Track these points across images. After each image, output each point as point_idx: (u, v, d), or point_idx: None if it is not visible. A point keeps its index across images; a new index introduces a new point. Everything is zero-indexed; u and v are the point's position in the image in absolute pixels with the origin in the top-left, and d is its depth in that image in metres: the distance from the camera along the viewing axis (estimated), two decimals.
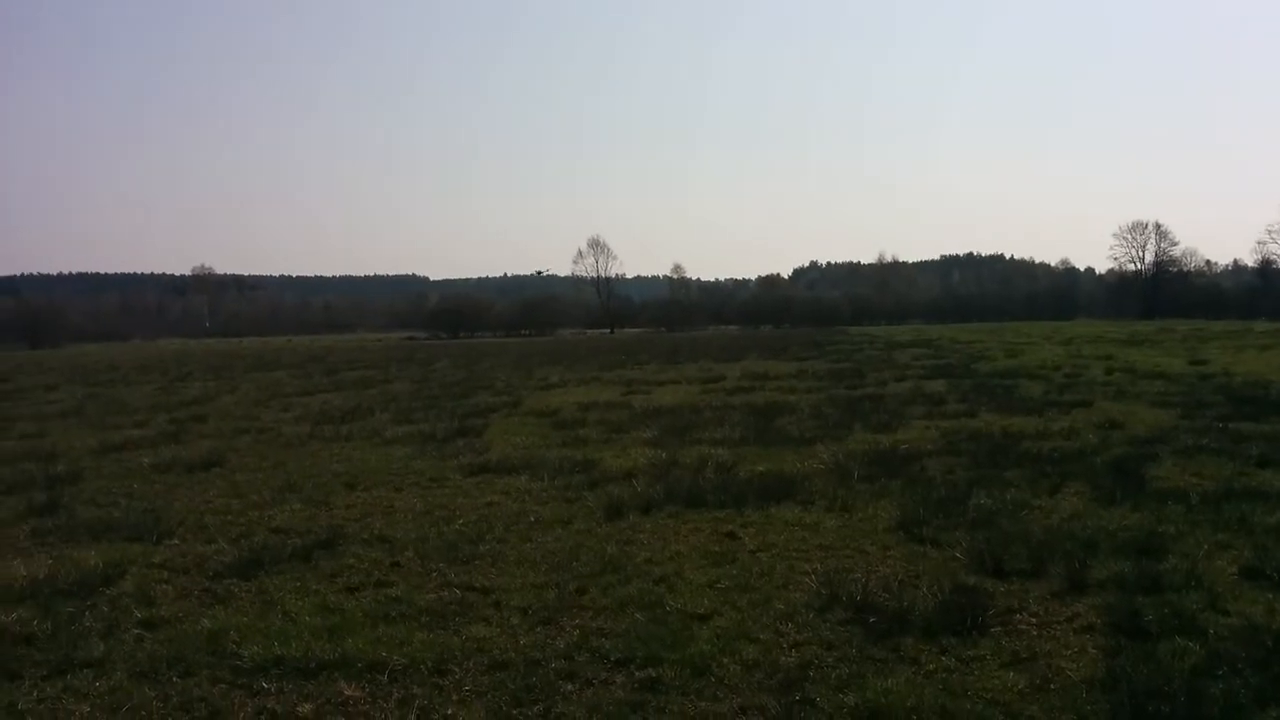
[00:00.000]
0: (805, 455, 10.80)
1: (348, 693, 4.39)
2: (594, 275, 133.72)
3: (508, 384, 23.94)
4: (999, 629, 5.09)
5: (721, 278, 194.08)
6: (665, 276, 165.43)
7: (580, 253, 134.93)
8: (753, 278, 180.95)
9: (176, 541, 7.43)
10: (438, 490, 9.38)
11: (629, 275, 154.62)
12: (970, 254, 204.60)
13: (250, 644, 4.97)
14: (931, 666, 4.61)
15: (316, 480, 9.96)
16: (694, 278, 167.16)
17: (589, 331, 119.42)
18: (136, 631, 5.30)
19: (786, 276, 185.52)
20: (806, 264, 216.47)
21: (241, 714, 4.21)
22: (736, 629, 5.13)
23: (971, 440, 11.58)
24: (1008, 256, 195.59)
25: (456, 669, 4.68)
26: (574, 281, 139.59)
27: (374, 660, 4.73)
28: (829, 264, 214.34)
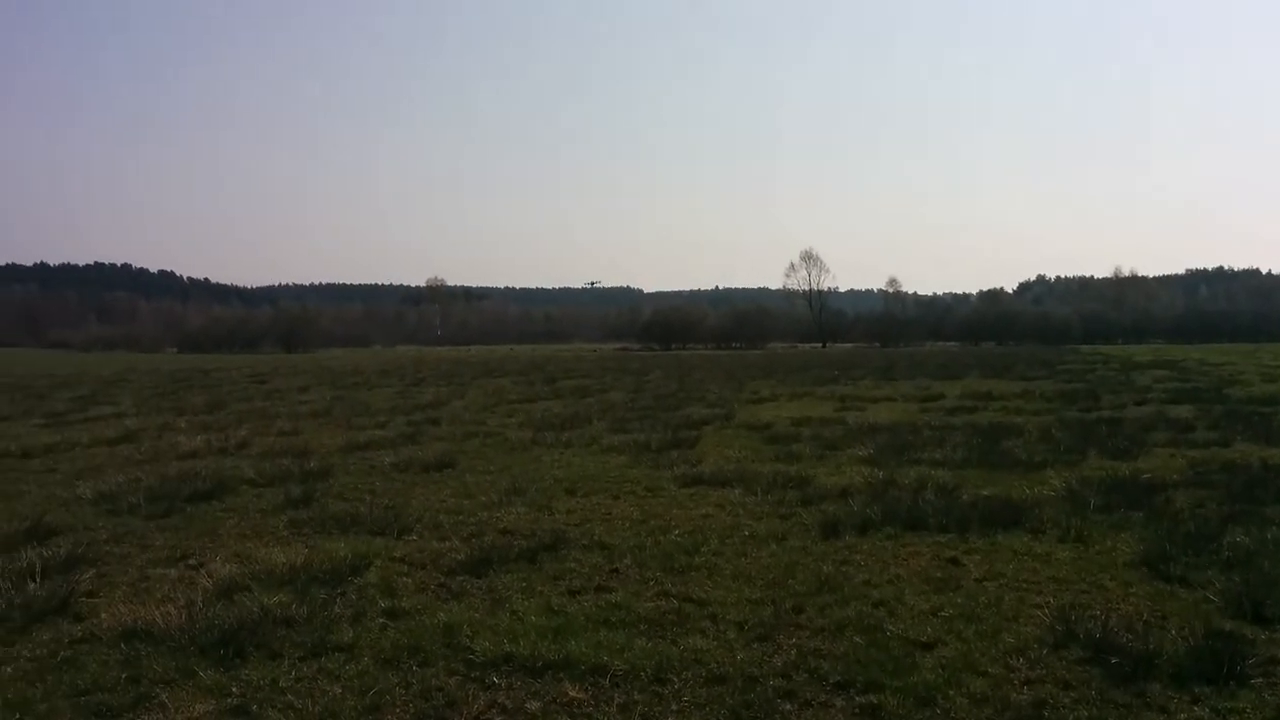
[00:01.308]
0: (1034, 480, 10.25)
1: (572, 694, 4.54)
2: (806, 288, 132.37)
3: (719, 396, 24.06)
4: (1260, 680, 4.64)
5: (939, 291, 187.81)
6: (879, 290, 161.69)
7: (792, 265, 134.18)
8: (973, 292, 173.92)
9: (415, 537, 7.92)
10: (653, 500, 9.55)
11: (841, 289, 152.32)
12: (1220, 268, 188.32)
13: (482, 639, 5.23)
14: (1182, 716, 4.26)
15: (539, 485, 10.36)
16: (910, 291, 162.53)
17: (800, 345, 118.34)
18: (381, 620, 5.69)
19: (1010, 291, 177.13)
20: (1032, 277, 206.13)
21: (475, 706, 4.44)
22: (962, 660, 4.93)
23: (1225, 472, 10.62)
24: (1264, 271, 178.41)
25: (675, 679, 4.74)
26: (785, 294, 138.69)
27: (596, 664, 4.87)
28: (1057, 278, 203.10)
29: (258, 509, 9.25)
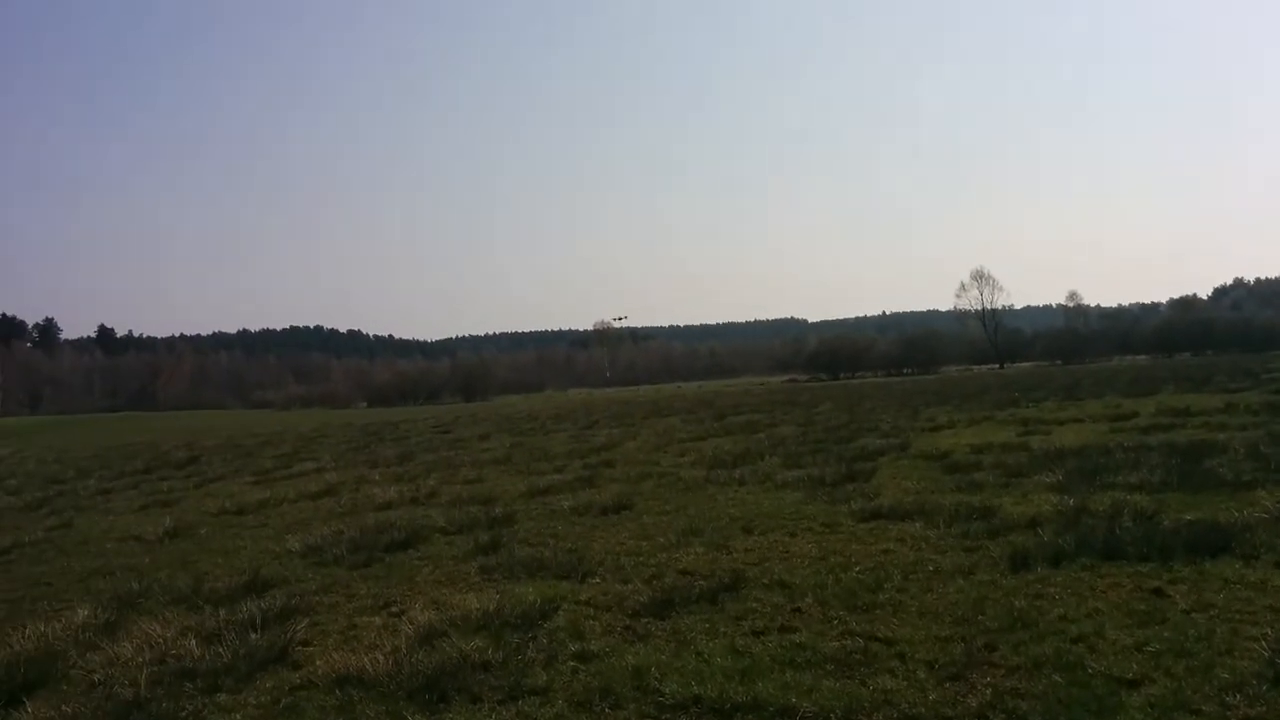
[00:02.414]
0: (1243, 502, 9.54)
1: None
2: (979, 308, 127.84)
3: (893, 425, 23.51)
4: None
5: (1125, 302, 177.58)
6: (1059, 305, 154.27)
7: (963, 285, 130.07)
8: (1162, 301, 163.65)
9: (598, 580, 8.11)
10: (831, 536, 9.44)
11: (1017, 306, 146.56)
12: None
13: (670, 681, 5.33)
14: None
15: (715, 524, 10.41)
16: (1092, 304, 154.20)
17: (976, 367, 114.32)
18: (572, 663, 5.87)
19: (1204, 297, 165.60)
20: (1229, 281, 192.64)
21: None
22: (1173, 698, 4.67)
23: None
24: None
25: (866, 719, 4.70)
26: (957, 316, 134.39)
27: (785, 705, 4.88)
28: (1258, 280, 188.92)
29: (450, 556, 9.68)
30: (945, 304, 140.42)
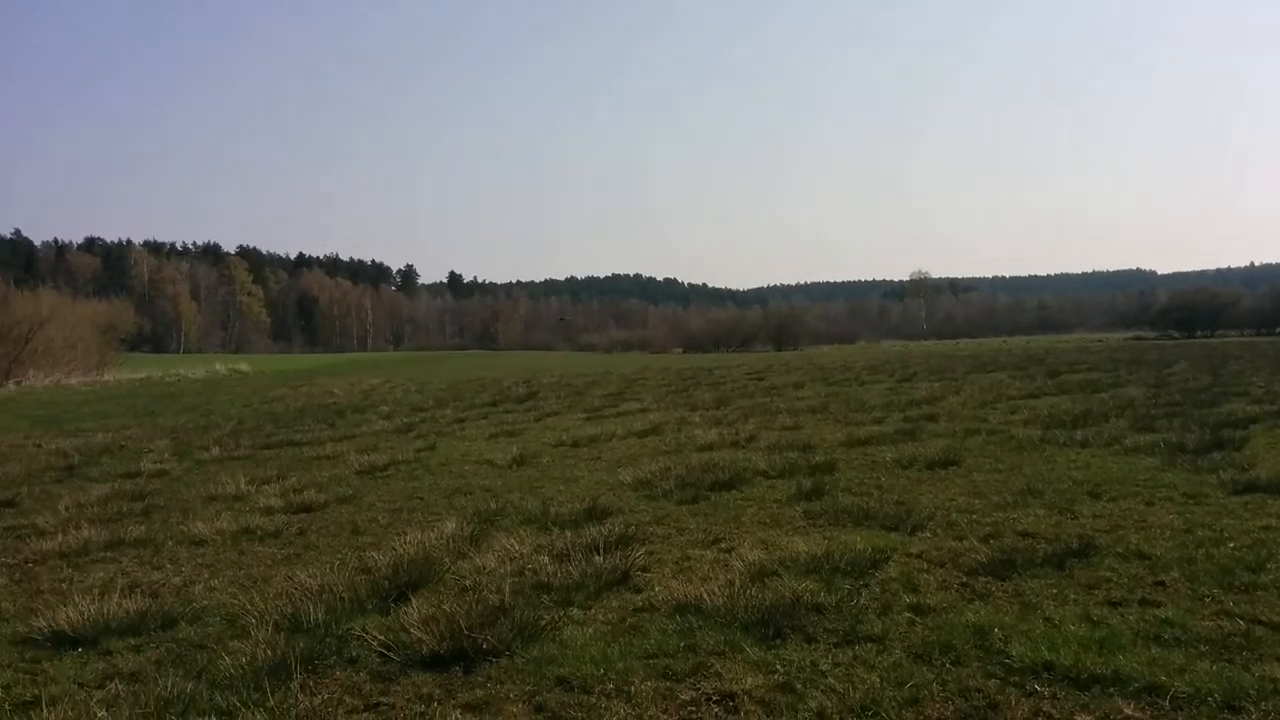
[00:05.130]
0: None
1: (1128, 711, 4.22)
2: None
3: (1267, 390, 20.76)
4: None
5: None
6: None
7: None
8: None
9: (929, 534, 7.86)
10: (1195, 508, 8.52)
11: None
12: None
13: (1016, 644, 5.06)
14: None
15: (1056, 486, 9.73)
16: None
17: None
18: (907, 615, 5.74)
19: None
20: None
21: (1019, 711, 4.30)
22: None
23: None
24: None
25: (1251, 708, 4.20)
26: None
27: (1151, 682, 4.47)
28: None
29: (773, 499, 9.79)
30: None
